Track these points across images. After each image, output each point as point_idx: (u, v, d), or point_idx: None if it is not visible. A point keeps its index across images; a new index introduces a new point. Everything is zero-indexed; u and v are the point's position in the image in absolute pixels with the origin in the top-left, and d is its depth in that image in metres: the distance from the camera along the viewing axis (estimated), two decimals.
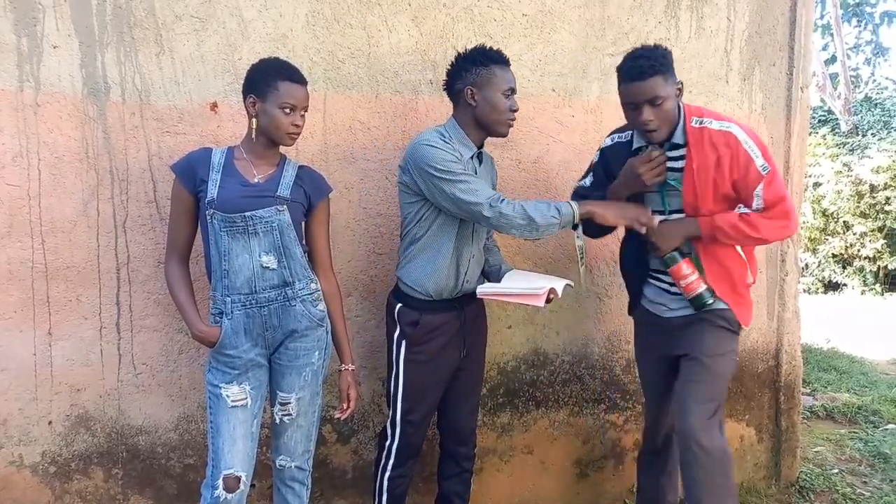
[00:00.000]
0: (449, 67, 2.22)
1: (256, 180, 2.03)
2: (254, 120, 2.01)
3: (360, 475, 2.63)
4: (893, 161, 8.88)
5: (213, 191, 1.97)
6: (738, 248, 2.24)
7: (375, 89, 2.52)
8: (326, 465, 2.61)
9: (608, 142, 2.38)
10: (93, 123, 2.25)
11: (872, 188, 9.01)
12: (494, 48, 2.20)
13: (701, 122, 2.14)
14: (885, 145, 9.24)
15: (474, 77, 2.15)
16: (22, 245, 2.22)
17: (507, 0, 2.64)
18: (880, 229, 9.04)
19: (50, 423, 2.31)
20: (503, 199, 2.07)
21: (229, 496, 1.99)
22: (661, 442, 2.51)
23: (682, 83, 2.15)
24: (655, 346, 2.40)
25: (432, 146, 2.09)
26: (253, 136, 2.03)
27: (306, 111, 2.04)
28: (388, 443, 2.29)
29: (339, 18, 2.46)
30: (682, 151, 2.17)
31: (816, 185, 9.61)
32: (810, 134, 9.66)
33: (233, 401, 2.02)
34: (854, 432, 3.96)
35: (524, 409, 2.85)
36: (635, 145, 2.26)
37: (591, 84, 2.79)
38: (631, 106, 2.10)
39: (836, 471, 3.40)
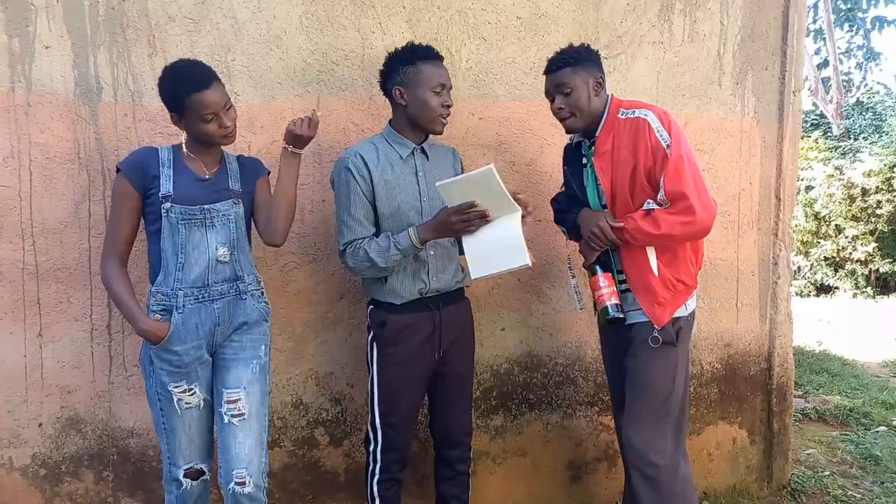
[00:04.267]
0: (381, 68, 2.21)
1: (207, 176, 2.04)
2: (183, 133, 2.01)
3: (352, 478, 2.62)
4: (885, 165, 8.94)
5: (167, 185, 1.96)
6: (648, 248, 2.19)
7: (369, 91, 2.51)
8: (319, 468, 2.61)
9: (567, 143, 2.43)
10: (85, 124, 2.24)
11: (864, 192, 9.08)
12: (425, 44, 2.19)
13: (625, 114, 2.16)
14: (877, 149, 9.30)
15: (402, 76, 2.14)
16: (13, 246, 2.21)
17: (502, 3, 2.64)
18: (872, 233, 9.10)
19: (40, 425, 2.30)
20: (350, 250, 2.14)
21: (193, 483, 2.04)
22: None
23: (602, 77, 2.20)
24: (612, 348, 2.37)
25: (345, 168, 2.15)
26: (183, 145, 2.02)
27: (229, 105, 1.99)
28: (372, 447, 2.28)
29: (333, 20, 2.45)
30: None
31: (808, 188, 9.67)
32: (803, 138, 9.69)
33: (185, 404, 2.01)
34: (846, 434, 3.98)
35: (517, 412, 2.85)
36: (575, 140, 2.33)
37: None
38: (549, 97, 2.23)
39: (827, 473, 3.41)
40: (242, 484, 2.00)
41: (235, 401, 2.04)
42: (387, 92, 2.21)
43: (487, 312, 2.75)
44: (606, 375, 2.54)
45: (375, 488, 2.28)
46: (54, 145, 2.22)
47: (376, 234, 2.18)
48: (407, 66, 2.13)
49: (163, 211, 1.95)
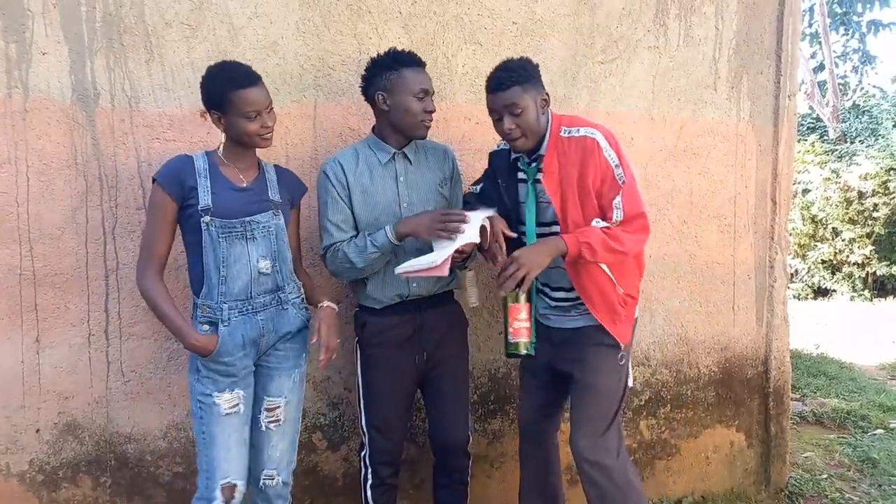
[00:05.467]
0: (363, 74, 2.22)
1: (245, 185, 2.04)
2: (223, 135, 2.02)
3: (350, 482, 2.61)
4: (881, 168, 8.96)
5: (206, 198, 1.95)
6: (603, 265, 2.13)
7: None
8: (316, 473, 2.60)
9: (496, 147, 2.37)
10: (82, 130, 2.24)
11: (861, 195, 9.10)
12: (407, 50, 2.19)
13: (569, 132, 2.14)
14: (873, 152, 9.33)
15: (384, 82, 2.15)
16: (10, 252, 2.21)
17: (497, 8, 2.65)
18: (868, 235, 9.12)
19: (38, 431, 2.30)
20: (330, 254, 2.17)
21: None
22: (537, 464, 2.49)
23: (547, 95, 2.15)
24: (543, 351, 2.29)
25: (324, 173, 2.19)
26: (220, 150, 2.04)
27: (272, 107, 2.02)
28: (363, 453, 2.31)
29: (330, 26, 2.46)
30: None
31: (805, 191, 9.69)
32: (799, 141, 9.74)
33: (226, 409, 2.00)
34: (843, 437, 3.98)
35: (515, 416, 2.85)
36: (513, 156, 2.25)
37: (581, 91, 2.81)
38: (494, 115, 2.12)
39: (825, 476, 3.41)
40: (271, 478, 2.10)
41: (275, 408, 2.09)
42: (369, 97, 2.22)
43: (484, 316, 2.75)
44: (528, 365, 2.45)
45: (369, 493, 2.29)
46: (51, 151, 2.22)
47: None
48: (389, 72, 2.14)
49: (203, 224, 1.95)
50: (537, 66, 2.16)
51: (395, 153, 2.23)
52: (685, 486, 3.13)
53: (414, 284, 2.23)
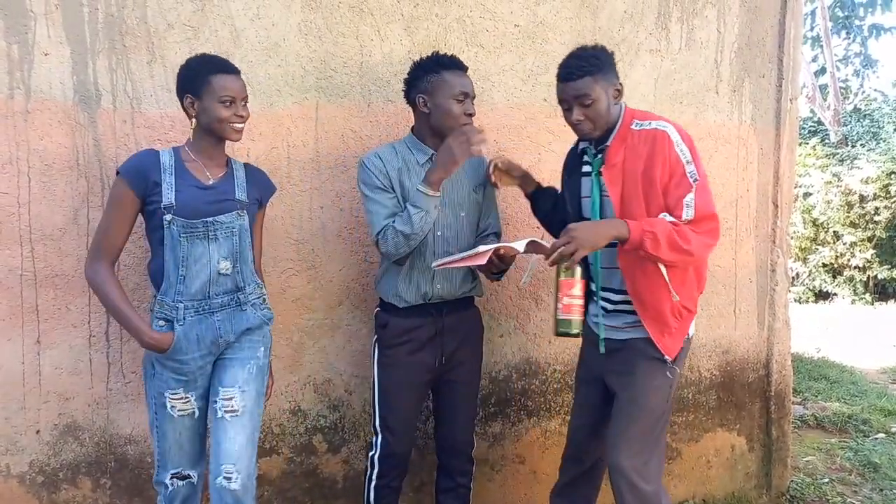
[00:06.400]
0: (405, 77, 2.23)
1: (211, 182, 2.01)
2: (193, 120, 1.99)
3: (350, 485, 2.61)
4: (882, 172, 8.96)
5: (169, 195, 1.93)
6: (662, 267, 2.00)
7: (367, 98, 2.52)
8: (317, 475, 2.60)
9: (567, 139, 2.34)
10: (83, 131, 2.24)
11: (862, 198, 9.10)
12: (449, 54, 2.20)
13: (640, 126, 2.06)
14: (875, 156, 9.33)
15: (426, 84, 2.16)
16: (11, 253, 2.21)
17: (500, 11, 2.66)
18: (870, 239, 9.12)
19: (38, 432, 2.29)
20: (382, 235, 2.13)
21: (180, 483, 2.06)
22: (577, 475, 2.35)
23: (621, 85, 2.09)
24: (592, 366, 2.24)
25: (363, 165, 2.19)
26: (187, 145, 2.02)
27: (246, 101, 2.01)
28: (372, 452, 2.31)
29: (332, 28, 2.46)
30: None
31: (806, 195, 9.68)
32: (800, 144, 9.74)
33: (178, 411, 2.01)
34: (844, 441, 3.98)
35: (516, 419, 2.85)
36: (580, 147, 2.22)
37: None
38: (564, 105, 2.07)
39: (826, 480, 3.41)
40: (229, 479, 1.96)
41: (230, 398, 2.03)
42: (410, 100, 2.23)
43: (486, 319, 2.74)
44: (578, 384, 2.37)
45: (372, 494, 2.30)
46: (53, 152, 2.22)
47: None
48: (430, 75, 2.15)
49: (164, 222, 1.93)
50: (612, 54, 2.09)
51: (432, 154, 2.22)
52: (686, 490, 3.12)
53: (438, 286, 2.23)
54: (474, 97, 2.22)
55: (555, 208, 2.34)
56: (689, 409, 3.09)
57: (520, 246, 2.03)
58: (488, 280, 2.36)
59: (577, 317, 1.96)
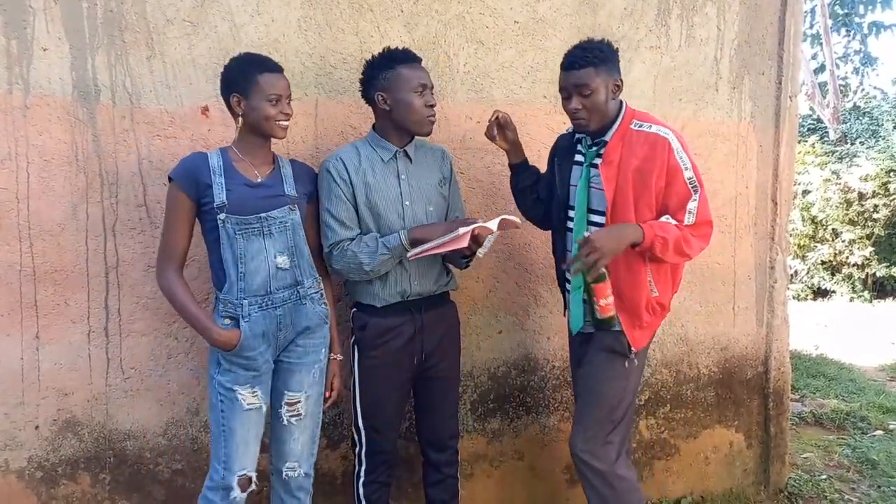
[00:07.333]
0: (360, 77, 2.23)
1: (260, 180, 2.04)
2: (240, 118, 2.01)
3: (348, 481, 2.60)
4: (881, 169, 8.95)
5: (221, 195, 1.97)
6: (647, 264, 2.13)
7: None
8: (315, 471, 2.59)
9: (566, 131, 2.41)
10: (82, 126, 2.24)
11: (861, 196, 9.08)
12: (401, 48, 2.20)
13: (640, 126, 2.13)
14: (874, 154, 9.31)
15: (382, 81, 2.15)
16: (10, 248, 2.21)
17: (499, 7, 2.65)
18: (868, 237, 9.10)
19: (37, 427, 2.29)
20: (337, 252, 2.13)
21: (242, 495, 2.03)
22: None
23: (621, 81, 2.14)
24: (576, 355, 2.36)
25: (328, 172, 2.17)
26: (233, 145, 2.04)
27: (290, 99, 2.05)
28: (357, 449, 2.31)
29: (332, 24, 2.46)
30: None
31: (805, 192, 9.67)
32: (799, 142, 9.73)
33: (248, 404, 2.02)
34: (842, 438, 3.98)
35: (514, 415, 2.85)
36: (576, 137, 2.28)
37: None
38: (563, 93, 2.14)
39: (824, 477, 3.41)
40: (293, 470, 2.13)
41: (296, 403, 2.10)
42: (369, 99, 2.22)
43: (484, 315, 2.75)
44: (572, 375, 2.52)
45: (361, 490, 2.30)
46: (52, 147, 2.22)
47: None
48: (386, 71, 2.14)
49: (219, 221, 1.96)
50: (617, 49, 2.15)
51: (396, 151, 2.22)
52: (684, 487, 3.13)
53: (415, 282, 2.23)
54: (433, 87, 2.21)
55: (533, 186, 2.40)
56: (688, 405, 3.10)
57: (493, 225, 2.07)
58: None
59: (613, 312, 2.09)
